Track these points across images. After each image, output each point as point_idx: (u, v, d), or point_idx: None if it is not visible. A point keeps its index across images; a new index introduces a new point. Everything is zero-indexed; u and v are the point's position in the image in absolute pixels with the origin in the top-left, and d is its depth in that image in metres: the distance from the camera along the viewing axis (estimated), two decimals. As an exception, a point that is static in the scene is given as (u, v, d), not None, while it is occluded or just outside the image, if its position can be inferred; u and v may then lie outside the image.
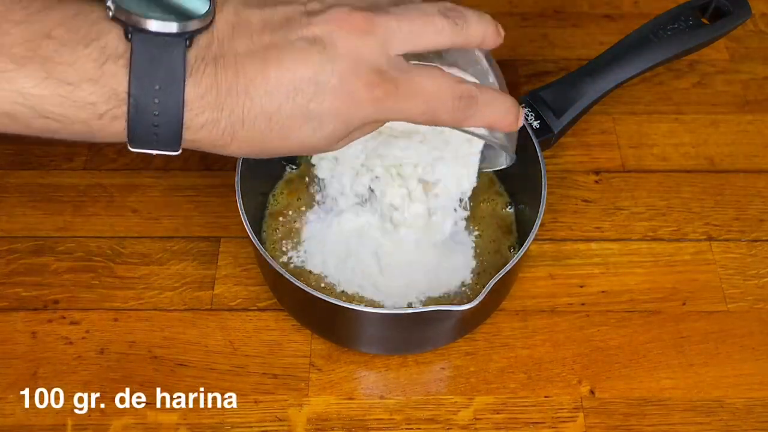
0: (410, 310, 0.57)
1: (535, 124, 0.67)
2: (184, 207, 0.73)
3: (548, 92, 0.69)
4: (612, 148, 0.78)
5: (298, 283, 0.58)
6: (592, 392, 0.64)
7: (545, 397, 0.64)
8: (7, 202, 0.73)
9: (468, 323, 0.64)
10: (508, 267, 0.58)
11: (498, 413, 0.63)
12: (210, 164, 0.76)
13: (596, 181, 0.76)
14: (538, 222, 0.61)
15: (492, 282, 0.57)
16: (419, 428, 0.62)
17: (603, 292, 0.69)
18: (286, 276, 0.58)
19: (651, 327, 0.67)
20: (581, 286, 0.69)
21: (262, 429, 0.62)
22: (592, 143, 0.78)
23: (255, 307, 0.68)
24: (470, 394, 0.64)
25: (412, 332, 0.62)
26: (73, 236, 0.71)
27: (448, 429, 0.62)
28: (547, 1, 0.89)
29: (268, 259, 0.59)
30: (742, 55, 0.84)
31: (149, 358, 0.65)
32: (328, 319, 0.63)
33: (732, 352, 0.66)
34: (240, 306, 0.68)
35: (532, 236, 0.60)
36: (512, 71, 0.83)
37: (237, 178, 0.62)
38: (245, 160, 0.64)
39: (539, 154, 0.64)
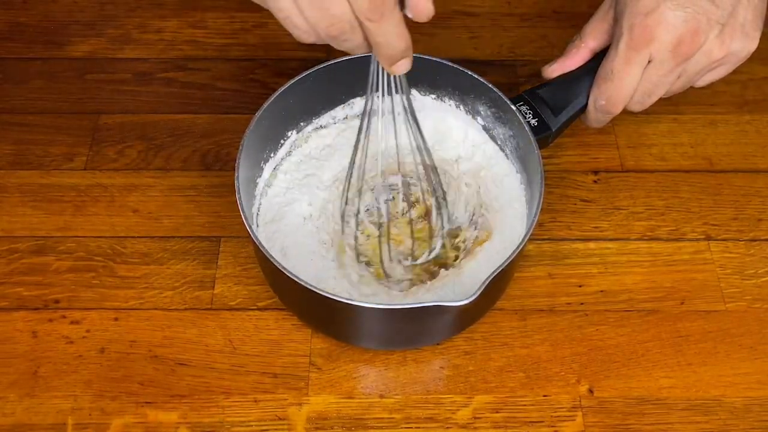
0: (408, 305, 0.57)
1: (533, 121, 0.68)
2: (184, 207, 0.73)
3: (546, 90, 0.69)
4: (611, 147, 0.78)
5: (297, 279, 0.58)
6: (590, 391, 0.64)
7: (544, 396, 0.64)
8: (8, 202, 0.73)
9: (466, 319, 0.64)
10: (504, 264, 0.59)
11: (497, 412, 0.63)
12: (210, 164, 0.76)
13: (595, 181, 0.76)
14: (535, 219, 0.61)
15: (488, 279, 0.57)
16: (418, 427, 0.63)
17: (602, 291, 0.69)
18: (286, 272, 0.58)
19: (649, 326, 0.68)
20: (580, 286, 0.70)
21: (262, 428, 0.62)
22: (591, 143, 0.78)
23: (255, 307, 0.68)
24: (469, 393, 0.64)
25: (411, 327, 0.62)
26: (73, 236, 0.71)
27: (447, 428, 0.63)
28: (546, 2, 0.90)
29: (267, 256, 0.59)
30: (740, 55, 0.84)
31: (149, 358, 0.65)
32: (327, 315, 0.63)
33: (730, 352, 0.66)
34: (240, 305, 0.68)
35: (528, 233, 0.60)
36: (511, 71, 0.84)
37: (237, 176, 0.62)
38: (244, 159, 0.64)
39: (536, 152, 0.64)
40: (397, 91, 0.58)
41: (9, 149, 0.76)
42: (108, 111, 0.80)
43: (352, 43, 0.51)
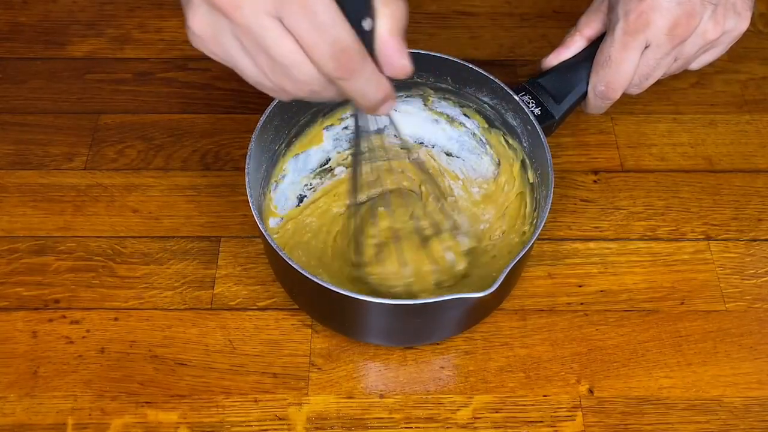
0: (429, 300, 0.57)
1: (537, 110, 0.68)
2: (184, 207, 0.73)
3: (547, 79, 0.69)
4: (610, 147, 0.78)
5: (314, 278, 0.57)
6: (590, 391, 0.64)
7: (544, 396, 0.64)
8: (8, 202, 0.73)
9: (476, 315, 0.65)
10: (521, 253, 0.59)
11: (497, 412, 0.63)
12: (210, 164, 0.76)
13: (595, 181, 0.76)
14: (548, 207, 0.61)
15: (506, 270, 0.57)
16: (418, 427, 0.63)
17: (601, 291, 0.69)
18: (302, 272, 0.57)
19: (649, 326, 0.68)
20: (580, 286, 0.70)
21: (262, 428, 0.62)
22: (591, 143, 0.79)
23: (255, 307, 0.68)
24: (469, 393, 0.64)
25: (426, 321, 0.62)
26: (73, 236, 0.71)
27: (447, 428, 0.63)
28: (546, 2, 0.90)
29: (281, 254, 0.58)
30: (740, 55, 0.84)
31: (149, 358, 0.65)
32: (339, 310, 0.62)
33: (730, 352, 0.66)
34: (240, 305, 0.68)
35: (543, 220, 0.60)
36: (511, 71, 0.83)
37: (247, 171, 0.62)
38: (254, 156, 0.64)
39: (543, 139, 0.64)
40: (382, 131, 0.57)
41: (9, 149, 0.76)
42: (108, 111, 0.80)
43: (328, 96, 0.49)
